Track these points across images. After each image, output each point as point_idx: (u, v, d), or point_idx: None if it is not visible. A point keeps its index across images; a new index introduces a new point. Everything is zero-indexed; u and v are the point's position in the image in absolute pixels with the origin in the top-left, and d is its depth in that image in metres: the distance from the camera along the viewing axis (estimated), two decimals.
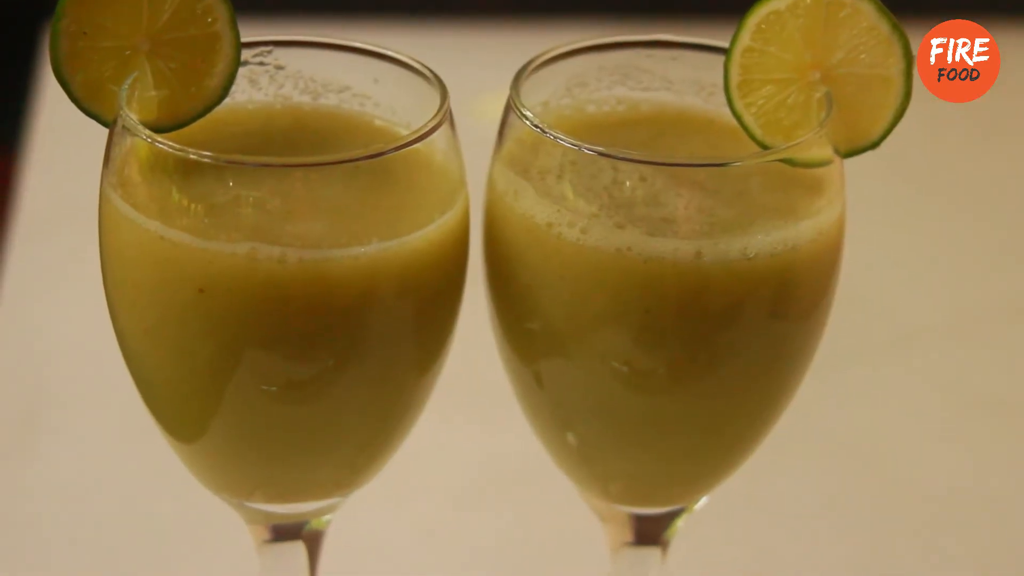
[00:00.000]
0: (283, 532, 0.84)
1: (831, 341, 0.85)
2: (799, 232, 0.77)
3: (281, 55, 0.83)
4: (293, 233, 0.74)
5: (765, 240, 0.76)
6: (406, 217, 0.76)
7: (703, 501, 0.86)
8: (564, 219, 0.77)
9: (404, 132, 0.81)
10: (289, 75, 0.84)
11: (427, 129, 0.77)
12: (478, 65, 1.43)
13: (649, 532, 0.87)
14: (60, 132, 1.50)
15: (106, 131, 0.78)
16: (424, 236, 0.76)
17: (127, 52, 0.77)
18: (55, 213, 1.41)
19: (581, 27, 1.67)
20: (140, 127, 0.75)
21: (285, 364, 0.76)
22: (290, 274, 0.74)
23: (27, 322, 1.28)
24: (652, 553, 0.87)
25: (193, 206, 0.74)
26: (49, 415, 1.18)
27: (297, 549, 0.85)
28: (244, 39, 0.78)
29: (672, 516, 0.86)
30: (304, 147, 0.82)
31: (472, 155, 0.81)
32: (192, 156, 0.74)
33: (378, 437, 0.81)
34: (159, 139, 0.75)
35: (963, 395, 1.24)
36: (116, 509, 1.10)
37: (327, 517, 0.85)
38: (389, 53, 0.83)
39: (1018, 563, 1.09)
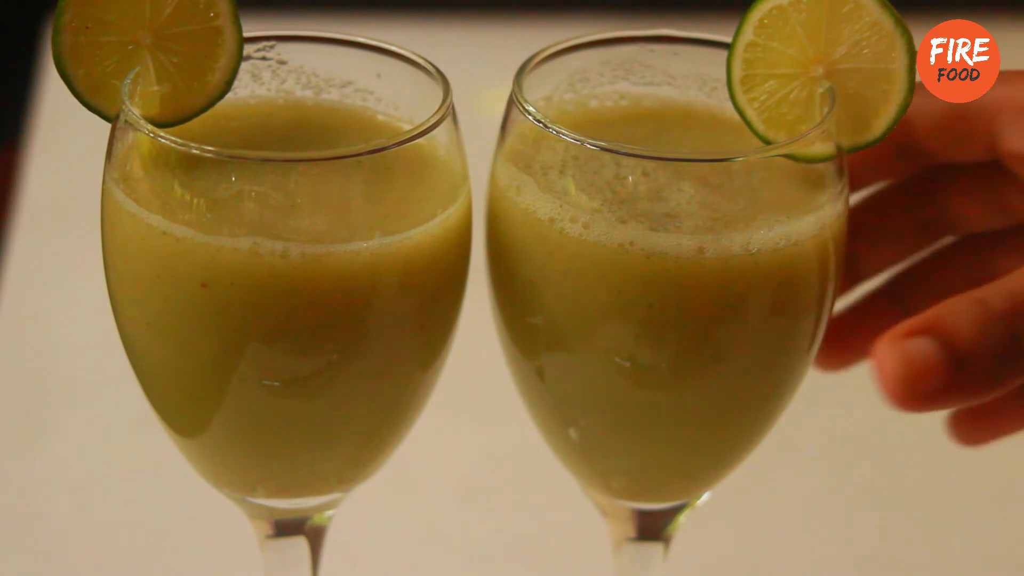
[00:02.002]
0: (285, 527, 0.85)
1: None
2: (802, 227, 0.77)
3: (284, 50, 0.83)
4: (296, 228, 0.74)
5: (768, 235, 0.76)
6: (408, 212, 0.76)
7: (705, 496, 0.86)
8: (567, 214, 0.77)
9: (407, 127, 0.81)
10: (291, 70, 0.84)
11: (430, 124, 0.77)
12: (481, 60, 1.43)
13: (651, 527, 0.86)
14: (62, 127, 1.50)
15: (108, 126, 0.78)
16: (426, 231, 0.76)
17: (129, 47, 0.77)
18: (57, 208, 1.41)
19: (584, 22, 1.67)
20: (143, 122, 0.75)
21: (287, 359, 0.76)
22: (292, 269, 0.74)
23: (29, 317, 1.28)
24: (654, 548, 0.87)
25: (196, 201, 0.74)
26: (51, 409, 1.18)
27: (299, 544, 0.85)
28: (246, 34, 0.78)
29: (674, 511, 0.86)
30: (306, 142, 0.82)
31: (475, 150, 0.81)
32: (195, 151, 0.74)
33: (380, 432, 0.81)
34: (162, 134, 0.75)
35: None
36: (118, 504, 1.10)
37: (329, 512, 0.85)
38: (392, 48, 0.82)
39: (1022, 559, 1.09)
